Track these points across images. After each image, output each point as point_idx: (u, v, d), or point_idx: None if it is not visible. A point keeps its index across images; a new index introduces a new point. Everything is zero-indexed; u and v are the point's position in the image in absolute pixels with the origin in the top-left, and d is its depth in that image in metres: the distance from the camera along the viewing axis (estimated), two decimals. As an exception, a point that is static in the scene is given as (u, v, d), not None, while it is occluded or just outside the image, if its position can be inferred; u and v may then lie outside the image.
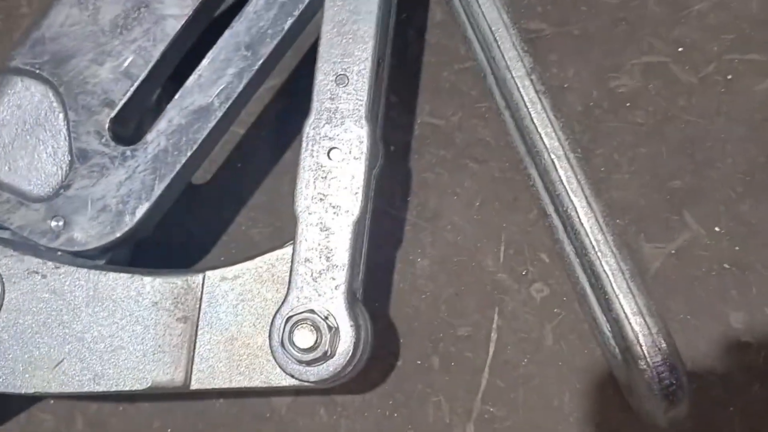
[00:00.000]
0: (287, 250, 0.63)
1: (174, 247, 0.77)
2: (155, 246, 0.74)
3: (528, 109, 0.65)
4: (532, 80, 0.66)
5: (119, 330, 0.64)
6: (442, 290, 0.74)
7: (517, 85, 0.66)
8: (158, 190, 0.66)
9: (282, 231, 0.77)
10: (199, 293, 0.64)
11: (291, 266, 0.61)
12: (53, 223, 0.67)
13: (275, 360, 0.60)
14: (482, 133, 0.77)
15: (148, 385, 0.63)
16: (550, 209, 0.69)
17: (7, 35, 0.85)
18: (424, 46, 0.79)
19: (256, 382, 0.63)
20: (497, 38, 0.66)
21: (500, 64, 0.67)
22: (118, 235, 0.66)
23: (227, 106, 0.66)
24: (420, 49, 0.79)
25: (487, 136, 0.76)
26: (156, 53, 0.67)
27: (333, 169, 0.62)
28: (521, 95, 0.66)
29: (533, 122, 0.65)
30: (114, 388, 0.63)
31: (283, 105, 0.80)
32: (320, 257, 0.61)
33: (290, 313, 0.60)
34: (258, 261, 0.64)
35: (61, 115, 0.67)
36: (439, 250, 0.75)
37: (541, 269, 0.74)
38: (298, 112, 0.70)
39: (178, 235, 0.78)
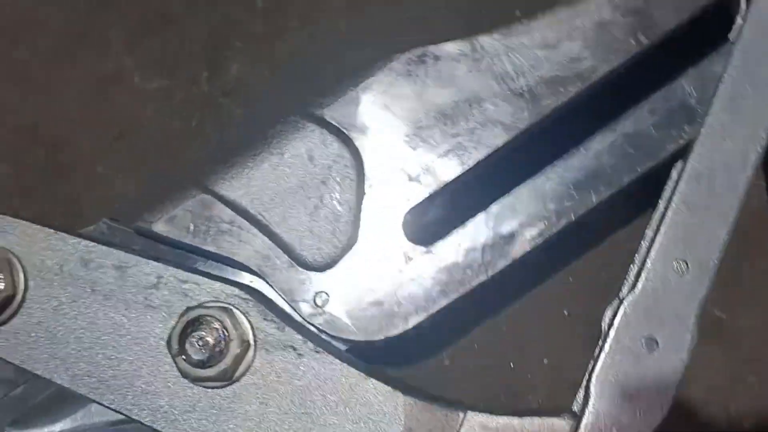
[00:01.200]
0: (564, 424, 0.57)
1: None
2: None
3: None
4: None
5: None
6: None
7: None
8: (439, 304, 0.60)
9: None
10: (455, 433, 0.57)
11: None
12: (317, 298, 0.60)
13: None
14: None
15: None
16: None
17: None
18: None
19: None
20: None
21: None
22: (381, 336, 0.59)
23: (535, 241, 0.62)
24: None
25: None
26: (473, 158, 0.62)
27: (644, 359, 0.57)
28: None
29: None
30: None
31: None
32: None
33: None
34: (528, 422, 0.58)
35: (354, 184, 0.62)
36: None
37: None
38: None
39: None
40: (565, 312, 0.76)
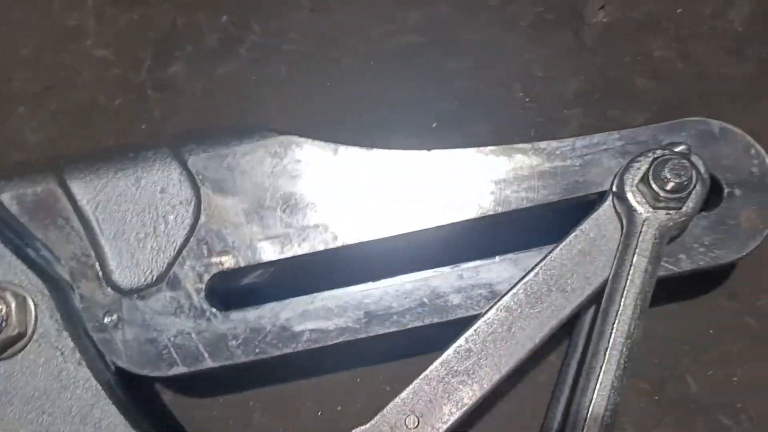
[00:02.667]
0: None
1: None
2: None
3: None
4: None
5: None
6: None
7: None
8: (203, 365, 0.65)
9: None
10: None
11: None
12: (107, 316, 0.65)
13: None
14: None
15: None
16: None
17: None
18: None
19: None
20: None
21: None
22: (143, 372, 0.65)
23: (312, 345, 0.66)
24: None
25: None
26: (293, 251, 0.66)
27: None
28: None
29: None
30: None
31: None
32: None
33: None
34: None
35: (186, 231, 0.67)
36: None
37: None
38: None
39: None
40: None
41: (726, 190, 0.66)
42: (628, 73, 0.84)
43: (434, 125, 0.84)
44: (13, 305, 0.62)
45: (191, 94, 0.86)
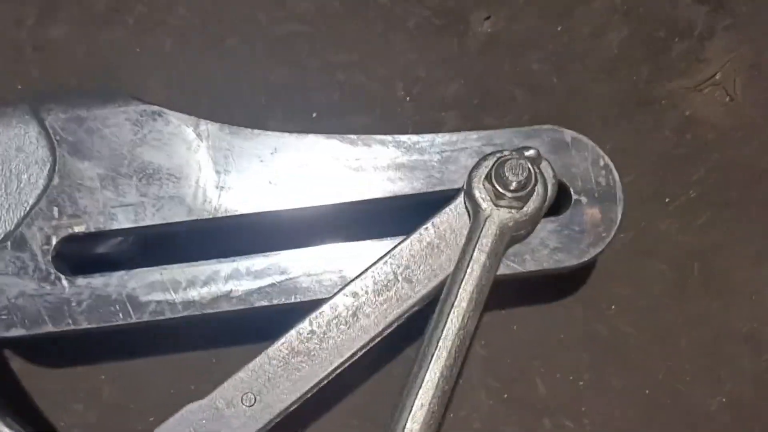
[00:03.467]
0: None
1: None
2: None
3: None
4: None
5: None
6: None
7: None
8: (46, 328, 0.64)
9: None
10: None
11: None
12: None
13: None
14: None
15: None
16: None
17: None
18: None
19: None
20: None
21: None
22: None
23: (157, 317, 0.66)
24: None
25: None
26: (146, 221, 0.66)
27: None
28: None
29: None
30: None
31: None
32: None
33: None
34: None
35: (37, 192, 0.66)
36: None
37: None
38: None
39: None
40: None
41: (573, 197, 0.69)
42: (506, 83, 0.86)
43: (314, 115, 0.84)
44: None
45: (72, 57, 0.85)
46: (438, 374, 0.59)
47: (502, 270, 0.67)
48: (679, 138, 0.85)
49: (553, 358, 0.81)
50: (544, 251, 0.68)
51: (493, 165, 0.63)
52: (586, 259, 0.69)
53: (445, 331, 0.60)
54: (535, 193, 0.63)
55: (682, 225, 0.83)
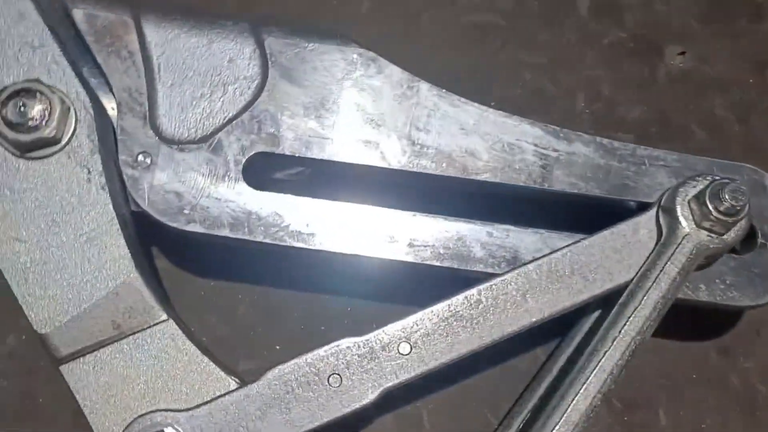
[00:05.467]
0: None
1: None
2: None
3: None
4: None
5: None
6: None
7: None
8: (223, 232, 0.64)
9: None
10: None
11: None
12: (140, 156, 0.64)
13: None
14: None
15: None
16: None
17: None
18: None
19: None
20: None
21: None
22: (162, 219, 0.64)
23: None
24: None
25: None
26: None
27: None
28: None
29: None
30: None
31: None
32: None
33: None
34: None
35: (245, 102, 0.66)
36: None
37: None
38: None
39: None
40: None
41: (759, 240, 0.68)
42: (687, 119, 0.86)
43: (492, 104, 0.84)
44: (58, 109, 0.61)
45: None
46: (607, 371, 0.58)
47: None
48: None
49: (680, 393, 0.78)
50: (720, 285, 0.67)
51: (708, 186, 0.62)
52: (758, 304, 0.67)
53: (622, 333, 0.59)
54: (741, 224, 0.62)
55: None
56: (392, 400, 0.73)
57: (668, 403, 0.77)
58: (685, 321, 0.77)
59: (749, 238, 0.68)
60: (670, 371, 0.78)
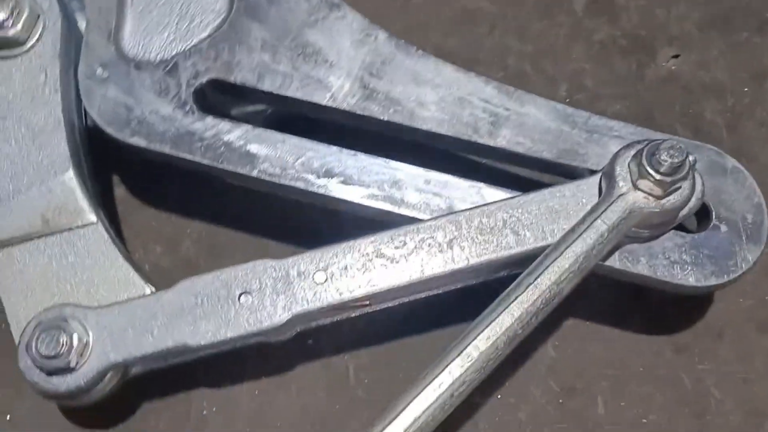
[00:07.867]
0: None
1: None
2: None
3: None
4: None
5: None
6: None
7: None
8: (164, 149, 0.66)
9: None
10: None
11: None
12: (99, 70, 0.67)
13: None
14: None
15: None
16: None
17: None
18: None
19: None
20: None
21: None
22: (107, 129, 0.66)
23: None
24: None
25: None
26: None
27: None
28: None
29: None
30: None
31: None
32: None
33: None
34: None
35: (207, 33, 0.68)
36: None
37: None
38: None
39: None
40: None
41: (713, 222, 0.65)
42: (672, 120, 0.84)
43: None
44: (26, 13, 0.64)
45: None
46: (515, 316, 0.56)
47: (612, 262, 0.63)
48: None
49: (625, 386, 0.74)
50: (663, 261, 0.64)
51: (646, 146, 0.60)
52: (701, 285, 0.64)
53: (538, 280, 0.57)
54: (680, 190, 0.60)
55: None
56: (319, 351, 0.72)
57: (610, 393, 0.73)
58: (641, 313, 0.74)
59: (704, 219, 0.66)
60: (617, 361, 0.74)
